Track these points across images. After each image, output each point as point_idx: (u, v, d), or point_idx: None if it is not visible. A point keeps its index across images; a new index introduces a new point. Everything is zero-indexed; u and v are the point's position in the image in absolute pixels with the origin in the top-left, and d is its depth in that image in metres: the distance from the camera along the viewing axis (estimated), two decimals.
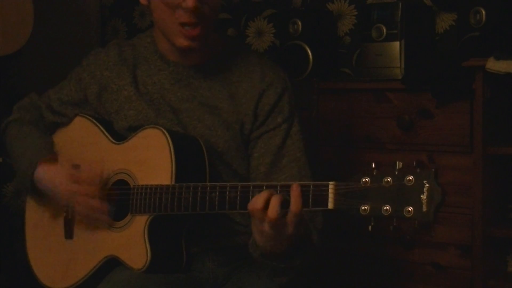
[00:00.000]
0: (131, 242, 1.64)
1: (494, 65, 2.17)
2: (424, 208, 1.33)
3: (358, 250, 2.52)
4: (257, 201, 1.44)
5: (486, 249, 2.27)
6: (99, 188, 1.67)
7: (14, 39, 2.61)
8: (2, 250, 2.93)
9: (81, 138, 1.81)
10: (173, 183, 1.59)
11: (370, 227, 1.39)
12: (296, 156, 1.71)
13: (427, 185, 1.32)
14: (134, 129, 1.72)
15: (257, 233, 1.49)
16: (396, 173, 1.35)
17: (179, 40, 1.66)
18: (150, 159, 1.65)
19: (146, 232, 1.61)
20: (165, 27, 1.68)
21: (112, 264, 1.68)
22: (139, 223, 1.63)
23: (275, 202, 1.42)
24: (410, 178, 1.33)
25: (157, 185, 1.61)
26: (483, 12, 2.40)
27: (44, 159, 1.76)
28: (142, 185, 1.64)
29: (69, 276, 1.77)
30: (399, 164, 1.35)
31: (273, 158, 1.70)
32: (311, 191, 1.43)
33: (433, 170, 1.33)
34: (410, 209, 1.33)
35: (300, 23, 2.71)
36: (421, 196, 1.33)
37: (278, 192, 1.46)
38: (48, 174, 1.74)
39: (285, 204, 1.44)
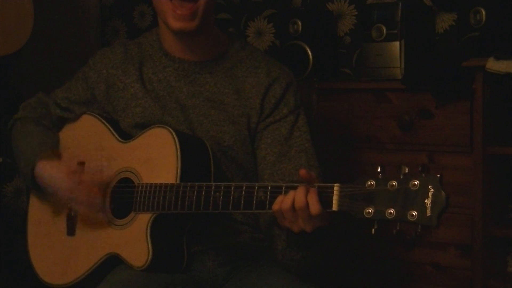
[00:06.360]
0: (133, 240, 1.64)
1: (494, 65, 2.17)
2: (428, 213, 1.33)
3: (358, 250, 2.52)
4: (285, 201, 1.45)
5: (486, 249, 2.27)
6: (100, 187, 1.67)
7: (14, 39, 2.61)
8: (2, 250, 2.93)
9: (88, 135, 1.82)
10: (177, 182, 1.59)
11: (373, 230, 1.39)
12: (304, 146, 1.72)
13: (432, 190, 1.33)
14: (140, 126, 1.73)
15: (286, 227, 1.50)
16: (401, 177, 1.35)
17: (171, 21, 1.67)
18: (156, 157, 1.65)
19: (148, 230, 1.61)
20: (160, 7, 1.69)
21: (113, 262, 1.68)
22: (142, 221, 1.63)
23: (313, 198, 1.43)
24: (415, 182, 1.34)
25: (162, 183, 1.61)
26: (483, 12, 2.39)
27: (45, 154, 1.76)
28: (146, 183, 1.64)
29: (69, 272, 1.77)
30: (404, 168, 1.35)
31: (280, 148, 1.71)
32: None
33: (438, 175, 1.33)
34: (414, 213, 1.33)
35: (300, 23, 2.71)
36: (426, 200, 1.33)
37: (283, 193, 1.46)
38: (48, 171, 1.74)
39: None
